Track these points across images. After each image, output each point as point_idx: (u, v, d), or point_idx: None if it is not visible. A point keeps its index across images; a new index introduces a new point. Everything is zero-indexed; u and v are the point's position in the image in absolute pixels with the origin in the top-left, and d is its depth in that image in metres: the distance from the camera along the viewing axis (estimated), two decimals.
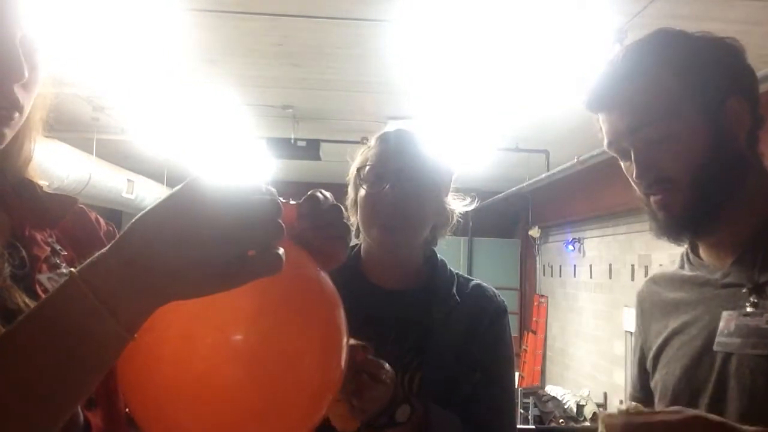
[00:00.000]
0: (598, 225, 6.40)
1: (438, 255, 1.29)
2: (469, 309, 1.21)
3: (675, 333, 1.05)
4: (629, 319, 5.70)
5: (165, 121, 4.60)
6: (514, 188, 6.55)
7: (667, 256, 5.31)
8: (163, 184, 7.02)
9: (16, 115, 0.63)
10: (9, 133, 0.64)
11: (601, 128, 1.07)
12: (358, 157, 1.25)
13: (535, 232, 8.09)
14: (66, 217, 0.75)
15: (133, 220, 0.49)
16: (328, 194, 0.64)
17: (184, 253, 0.47)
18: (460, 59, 3.19)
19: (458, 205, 1.27)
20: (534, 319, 8.49)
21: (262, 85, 3.98)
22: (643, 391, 1.17)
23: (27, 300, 0.62)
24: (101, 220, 0.83)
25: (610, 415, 0.81)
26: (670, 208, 1.00)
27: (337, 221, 0.64)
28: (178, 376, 0.51)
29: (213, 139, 5.24)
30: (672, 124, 0.97)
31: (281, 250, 0.49)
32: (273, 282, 0.48)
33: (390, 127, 1.27)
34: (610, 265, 6.11)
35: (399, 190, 1.14)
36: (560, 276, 7.73)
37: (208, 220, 0.47)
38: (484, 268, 8.57)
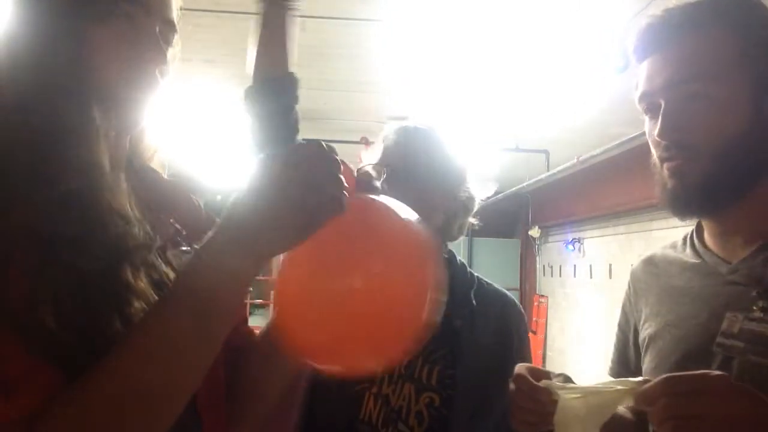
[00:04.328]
0: (598, 225, 6.40)
1: (457, 257, 1.29)
2: (496, 320, 1.22)
3: (669, 325, 0.98)
4: None
5: (164, 121, 4.59)
6: (514, 188, 6.55)
7: None
8: None
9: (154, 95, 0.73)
10: (148, 113, 0.74)
11: (636, 83, 0.96)
12: (364, 159, 1.27)
13: (535, 232, 8.09)
14: (183, 202, 0.87)
15: (230, 205, 0.62)
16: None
17: (269, 222, 0.60)
18: (460, 59, 3.19)
19: (476, 193, 1.27)
20: (534, 319, 8.49)
21: None
22: (623, 366, 1.12)
23: (167, 271, 0.73)
24: (201, 206, 0.95)
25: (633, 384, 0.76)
26: (685, 176, 0.90)
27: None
28: (310, 297, 0.66)
29: (213, 139, 5.24)
30: (714, 86, 0.87)
31: (347, 196, 0.63)
32: (376, 234, 0.64)
33: (394, 125, 1.28)
34: (610, 265, 6.11)
35: (391, 185, 1.14)
36: (560, 276, 7.73)
37: (283, 189, 0.60)
38: (484, 268, 8.55)
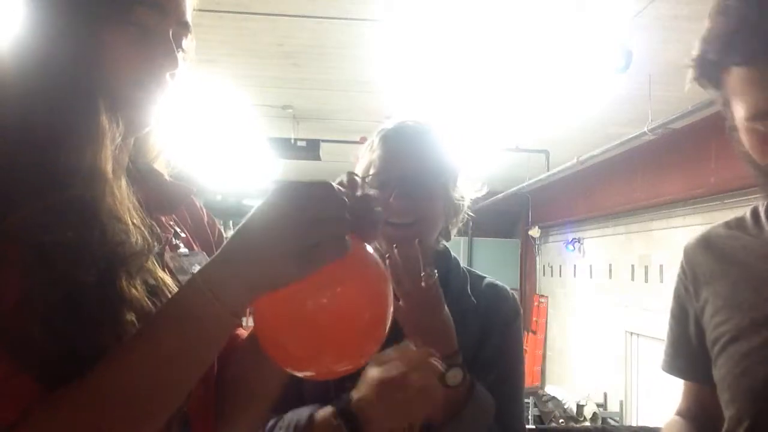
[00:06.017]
0: (598, 225, 6.40)
1: (452, 253, 1.27)
2: (483, 309, 1.19)
3: (756, 324, 0.86)
4: (629, 319, 5.71)
5: (164, 121, 4.59)
6: (514, 188, 6.54)
7: (668, 256, 5.33)
8: None
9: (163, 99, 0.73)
10: (155, 116, 0.74)
11: (723, 96, 0.84)
12: (360, 160, 1.23)
13: (535, 232, 8.10)
14: (183, 203, 0.86)
15: (235, 230, 0.61)
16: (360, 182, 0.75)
17: (270, 255, 0.59)
18: (460, 59, 3.19)
19: (467, 193, 1.25)
20: (534, 319, 8.49)
21: (262, 85, 3.98)
22: (683, 359, 1.03)
23: (162, 276, 0.72)
24: (204, 210, 0.94)
25: None
26: None
27: (370, 208, 0.74)
28: (286, 318, 0.66)
29: (213, 140, 5.24)
30: None
31: (348, 238, 0.61)
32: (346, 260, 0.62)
33: (390, 122, 1.24)
34: (610, 265, 6.11)
35: (404, 198, 1.11)
36: (560, 276, 7.74)
37: (288, 224, 0.58)
38: (484, 268, 8.47)
